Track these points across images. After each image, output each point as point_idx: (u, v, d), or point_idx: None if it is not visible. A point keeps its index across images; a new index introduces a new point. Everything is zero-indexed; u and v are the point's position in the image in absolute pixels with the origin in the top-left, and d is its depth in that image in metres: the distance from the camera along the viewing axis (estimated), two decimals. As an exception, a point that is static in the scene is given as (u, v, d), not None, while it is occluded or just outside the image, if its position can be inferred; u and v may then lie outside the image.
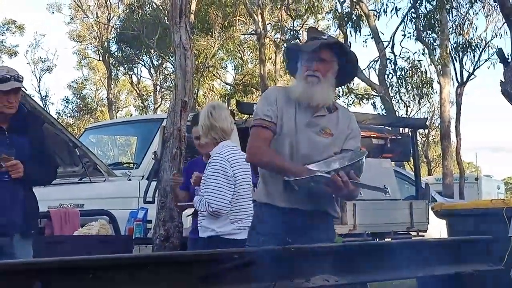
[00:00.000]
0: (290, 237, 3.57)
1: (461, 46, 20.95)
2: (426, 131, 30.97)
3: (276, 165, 3.75)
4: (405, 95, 23.32)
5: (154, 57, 33.16)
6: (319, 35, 3.94)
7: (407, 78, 20.24)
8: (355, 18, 19.38)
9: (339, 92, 19.93)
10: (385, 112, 20.41)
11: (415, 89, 20.36)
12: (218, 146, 4.89)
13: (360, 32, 19.56)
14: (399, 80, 20.49)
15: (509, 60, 10.03)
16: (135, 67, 34.95)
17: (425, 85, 20.22)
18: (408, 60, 20.59)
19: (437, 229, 9.65)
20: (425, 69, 21.16)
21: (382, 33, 21.20)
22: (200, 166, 5.18)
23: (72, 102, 38.18)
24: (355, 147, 3.88)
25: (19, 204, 4.23)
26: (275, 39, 28.51)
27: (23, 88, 4.51)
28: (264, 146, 3.78)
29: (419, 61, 20.73)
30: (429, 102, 27.69)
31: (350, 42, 20.14)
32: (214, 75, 34.66)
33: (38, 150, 4.38)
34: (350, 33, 19.41)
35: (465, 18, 22.26)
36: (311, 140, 3.77)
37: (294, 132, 3.77)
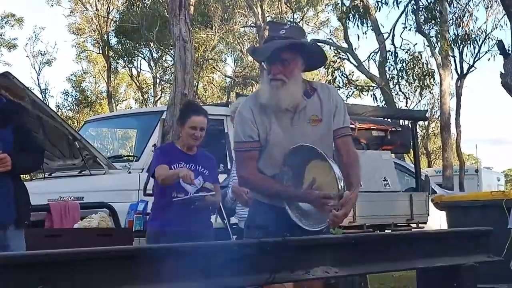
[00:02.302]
0: (286, 232, 3.54)
1: (461, 38, 20.93)
2: (426, 123, 30.94)
3: (269, 193, 3.73)
4: (405, 87, 23.30)
5: (154, 49, 33.12)
6: (276, 32, 3.70)
7: (408, 70, 20.22)
8: (361, 10, 19.34)
9: (339, 83, 19.94)
10: (385, 104, 20.41)
11: (416, 81, 20.31)
12: None
13: (367, 25, 19.56)
14: (400, 72, 20.48)
15: (509, 52, 10.03)
16: (134, 60, 34.92)
17: (427, 76, 20.19)
18: (409, 51, 20.58)
19: (437, 221, 9.67)
20: (426, 60, 21.16)
21: (382, 26, 21.22)
22: (176, 153, 5.09)
23: (71, 95, 38.17)
24: (341, 121, 3.81)
25: (10, 196, 4.22)
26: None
27: (17, 81, 4.49)
28: (254, 174, 3.73)
29: (419, 52, 20.73)
30: (430, 93, 27.70)
31: (358, 35, 20.16)
32: (214, 67, 34.65)
33: (23, 139, 4.36)
34: (357, 26, 19.38)
35: (465, 9, 22.22)
36: (303, 134, 3.69)
37: (282, 137, 3.69)
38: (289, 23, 4.04)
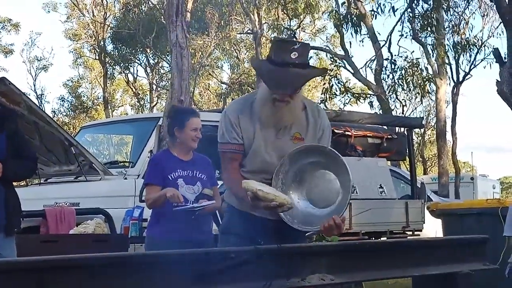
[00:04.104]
0: (261, 239, 3.53)
1: (457, 45, 20.99)
2: (422, 130, 31.00)
3: (238, 197, 3.71)
4: (402, 94, 23.34)
5: (150, 56, 33.18)
6: (287, 55, 3.49)
7: (406, 77, 20.25)
8: (355, 19, 19.38)
9: (336, 91, 19.95)
10: (381, 111, 20.43)
11: (416, 88, 20.34)
12: None
13: (360, 33, 19.59)
14: (398, 80, 20.50)
15: (505, 60, 10.05)
16: (131, 66, 34.97)
17: (426, 82, 20.23)
18: (406, 59, 20.64)
19: (433, 228, 9.66)
20: (424, 67, 21.21)
21: (379, 33, 21.26)
22: (172, 160, 5.07)
23: (67, 101, 38.14)
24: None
25: (1, 203, 4.19)
26: (272, 38, 28.51)
27: (13, 87, 4.48)
28: (233, 175, 3.72)
29: (417, 59, 20.78)
30: (431, 99, 27.71)
31: (350, 42, 20.18)
32: (210, 74, 34.69)
33: (16, 145, 4.33)
34: (352, 34, 19.41)
35: (461, 17, 22.31)
36: (283, 149, 3.67)
37: (264, 148, 3.69)
38: (296, 41, 3.97)
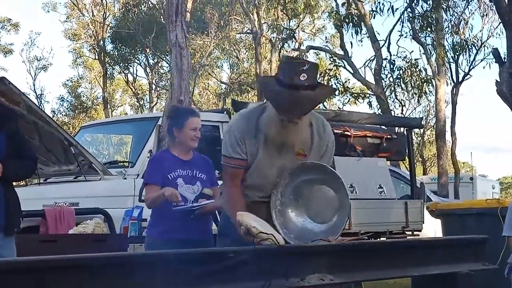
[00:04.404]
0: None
1: (457, 45, 20.99)
2: (422, 130, 30.99)
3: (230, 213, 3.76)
4: (402, 94, 23.34)
5: (150, 56, 33.16)
6: (297, 77, 3.39)
7: (405, 77, 20.24)
8: (356, 19, 19.37)
9: (335, 91, 19.94)
10: (381, 111, 20.43)
11: (414, 88, 20.33)
12: None
13: (360, 33, 19.58)
14: (397, 80, 20.50)
15: (505, 60, 10.05)
16: (130, 66, 34.94)
17: (425, 83, 20.22)
18: (406, 59, 20.64)
19: (432, 228, 9.67)
20: (423, 68, 21.21)
21: (378, 33, 21.26)
22: (172, 160, 5.06)
23: (67, 101, 38.12)
24: (326, 164, 3.76)
25: (0, 203, 4.19)
26: (271, 38, 28.52)
27: (13, 87, 4.46)
28: (232, 190, 3.79)
29: (416, 59, 20.78)
30: (428, 100, 27.75)
31: (351, 42, 20.18)
32: (209, 74, 34.68)
33: (16, 145, 4.32)
34: (352, 34, 19.39)
35: (461, 17, 22.31)
36: (285, 166, 3.71)
37: (267, 165, 3.71)
38: (306, 60, 3.95)
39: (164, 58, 30.40)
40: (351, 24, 19.22)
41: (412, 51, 21.39)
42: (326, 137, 3.79)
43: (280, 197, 3.72)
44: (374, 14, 18.89)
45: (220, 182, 5.41)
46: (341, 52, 23.16)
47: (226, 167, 3.80)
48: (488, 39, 23.55)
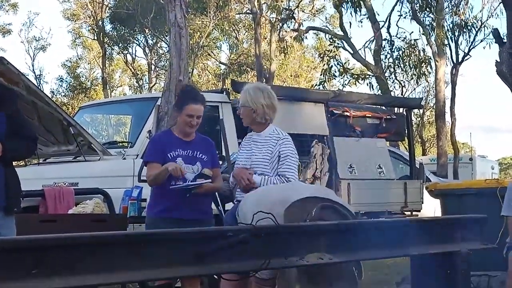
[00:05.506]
0: None
1: (457, 26, 20.92)
2: (421, 111, 30.94)
3: None
4: (402, 75, 23.28)
5: (149, 36, 33.03)
6: None
7: (404, 58, 20.19)
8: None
9: (335, 72, 19.92)
10: (380, 92, 20.39)
11: (412, 69, 20.28)
12: (274, 128, 5.04)
13: (360, 12, 19.50)
14: (395, 61, 20.45)
15: (505, 41, 10.01)
16: (129, 46, 34.82)
17: (423, 63, 20.16)
18: (405, 39, 20.56)
19: (431, 208, 9.68)
20: (422, 48, 21.14)
21: (378, 14, 21.18)
22: (173, 139, 5.06)
23: (66, 81, 38.04)
24: None
25: (0, 183, 4.18)
26: (271, 19, 28.38)
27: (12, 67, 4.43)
28: None
29: (415, 40, 20.71)
30: (427, 81, 27.68)
31: (350, 22, 20.09)
32: (209, 54, 34.57)
33: (16, 125, 4.30)
34: (351, 13, 19.32)
35: (461, -2, 22.21)
36: None
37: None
38: None
39: (163, 39, 30.26)
40: (350, 3, 19.13)
41: (412, 32, 21.32)
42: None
43: None
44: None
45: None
46: (341, 33, 23.07)
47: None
48: (488, 19, 23.48)
